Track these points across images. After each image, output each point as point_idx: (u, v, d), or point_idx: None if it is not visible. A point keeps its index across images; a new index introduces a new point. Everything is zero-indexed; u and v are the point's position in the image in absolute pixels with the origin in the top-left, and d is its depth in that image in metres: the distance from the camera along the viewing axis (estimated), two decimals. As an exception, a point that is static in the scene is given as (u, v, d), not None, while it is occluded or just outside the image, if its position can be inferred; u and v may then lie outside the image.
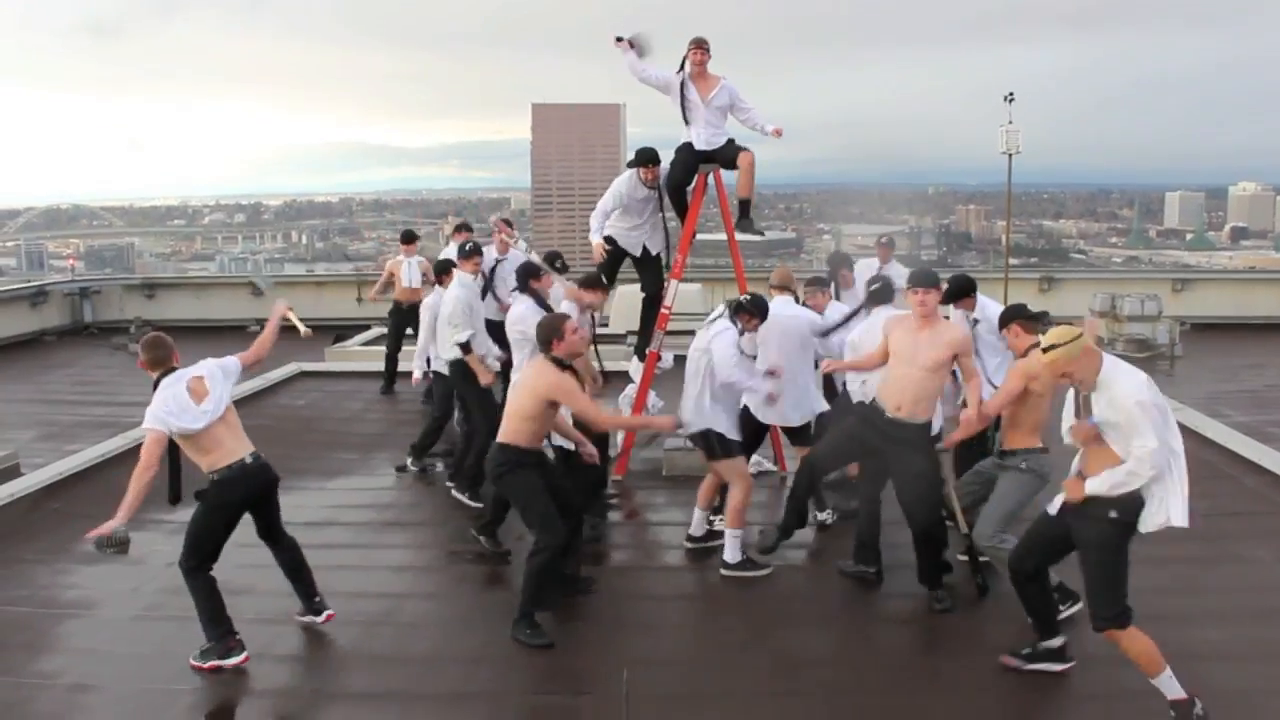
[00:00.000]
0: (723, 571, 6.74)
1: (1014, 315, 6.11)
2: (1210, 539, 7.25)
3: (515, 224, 11.09)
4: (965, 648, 5.71)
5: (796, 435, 7.69)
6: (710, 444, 6.80)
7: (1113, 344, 14.36)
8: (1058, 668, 5.32)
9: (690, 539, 7.20)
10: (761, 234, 9.19)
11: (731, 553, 6.75)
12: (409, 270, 12.05)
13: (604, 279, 7.94)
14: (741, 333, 6.84)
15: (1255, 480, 8.31)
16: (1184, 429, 9.38)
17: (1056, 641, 5.33)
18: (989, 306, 7.04)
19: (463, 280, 8.30)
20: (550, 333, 5.99)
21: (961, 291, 7.02)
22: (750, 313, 6.84)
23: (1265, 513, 7.72)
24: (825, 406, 7.66)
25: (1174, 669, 5.31)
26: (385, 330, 15.93)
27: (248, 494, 5.71)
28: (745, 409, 7.32)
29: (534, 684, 5.55)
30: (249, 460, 5.65)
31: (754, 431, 7.54)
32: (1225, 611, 6.06)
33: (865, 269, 9.06)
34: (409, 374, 9.79)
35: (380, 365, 12.44)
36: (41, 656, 5.74)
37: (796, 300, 7.72)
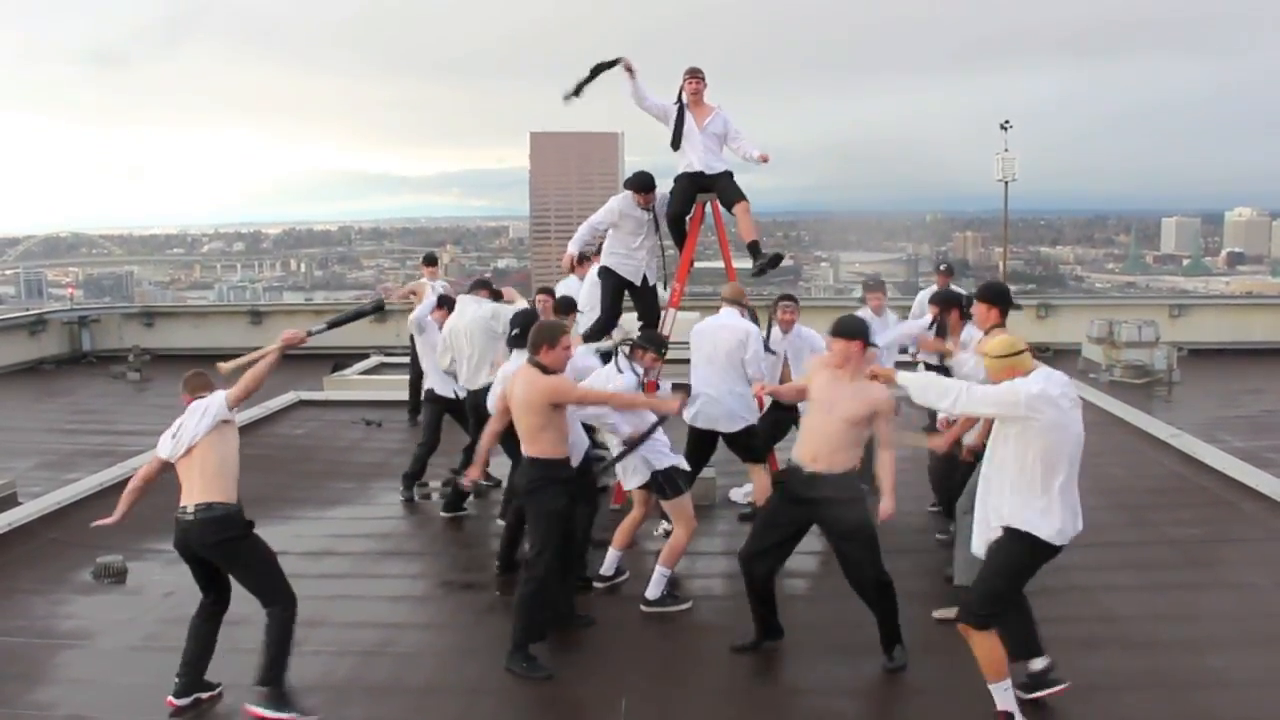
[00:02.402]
0: (643, 608, 6.64)
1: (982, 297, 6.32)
2: (1209, 565, 7.27)
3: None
4: (972, 677, 5.67)
5: (734, 443, 7.79)
6: (660, 485, 6.66)
7: (1110, 370, 14.39)
8: (1054, 690, 5.18)
9: (600, 578, 7.06)
10: (780, 257, 8.78)
11: (654, 589, 6.66)
12: (433, 293, 11.99)
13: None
14: (645, 373, 6.84)
15: (1253, 505, 8.30)
16: (1182, 455, 9.55)
17: (1039, 663, 5.23)
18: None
19: None
20: (544, 338, 5.92)
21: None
22: (644, 349, 6.84)
23: (1264, 539, 7.71)
24: (755, 417, 7.78)
25: (1175, 697, 5.33)
26: (385, 360, 16.04)
27: (182, 547, 5.37)
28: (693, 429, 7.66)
29: (532, 714, 5.52)
30: (182, 512, 5.28)
31: (701, 448, 7.76)
32: (1226, 638, 6.04)
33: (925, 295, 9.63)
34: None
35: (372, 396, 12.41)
36: (38, 687, 5.71)
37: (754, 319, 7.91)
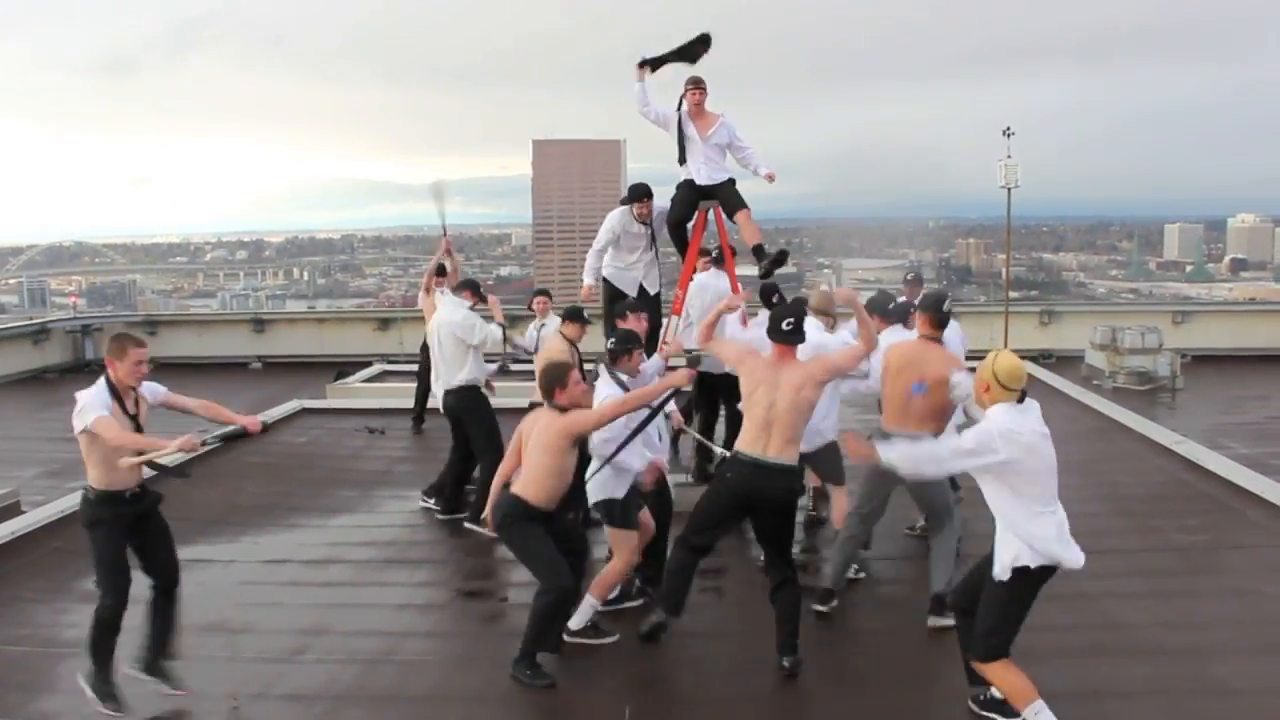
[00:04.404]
0: (565, 636, 6.19)
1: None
2: (1214, 572, 7.25)
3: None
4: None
5: (814, 462, 7.32)
6: (611, 512, 6.34)
7: (1114, 376, 14.38)
8: None
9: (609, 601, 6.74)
10: (785, 254, 8.69)
11: (579, 619, 6.21)
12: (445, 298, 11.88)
13: (585, 314, 8.01)
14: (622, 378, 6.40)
15: (1259, 513, 8.27)
16: (1186, 461, 9.53)
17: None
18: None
19: None
20: (554, 381, 5.92)
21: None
22: (626, 353, 6.46)
23: (1269, 545, 7.68)
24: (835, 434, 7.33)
25: (1180, 705, 5.32)
26: (388, 368, 16.04)
27: None
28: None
29: (535, 723, 5.52)
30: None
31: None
32: (1231, 645, 6.01)
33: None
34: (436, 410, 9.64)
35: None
36: (41, 696, 5.70)
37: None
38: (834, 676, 5.90)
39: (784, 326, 5.82)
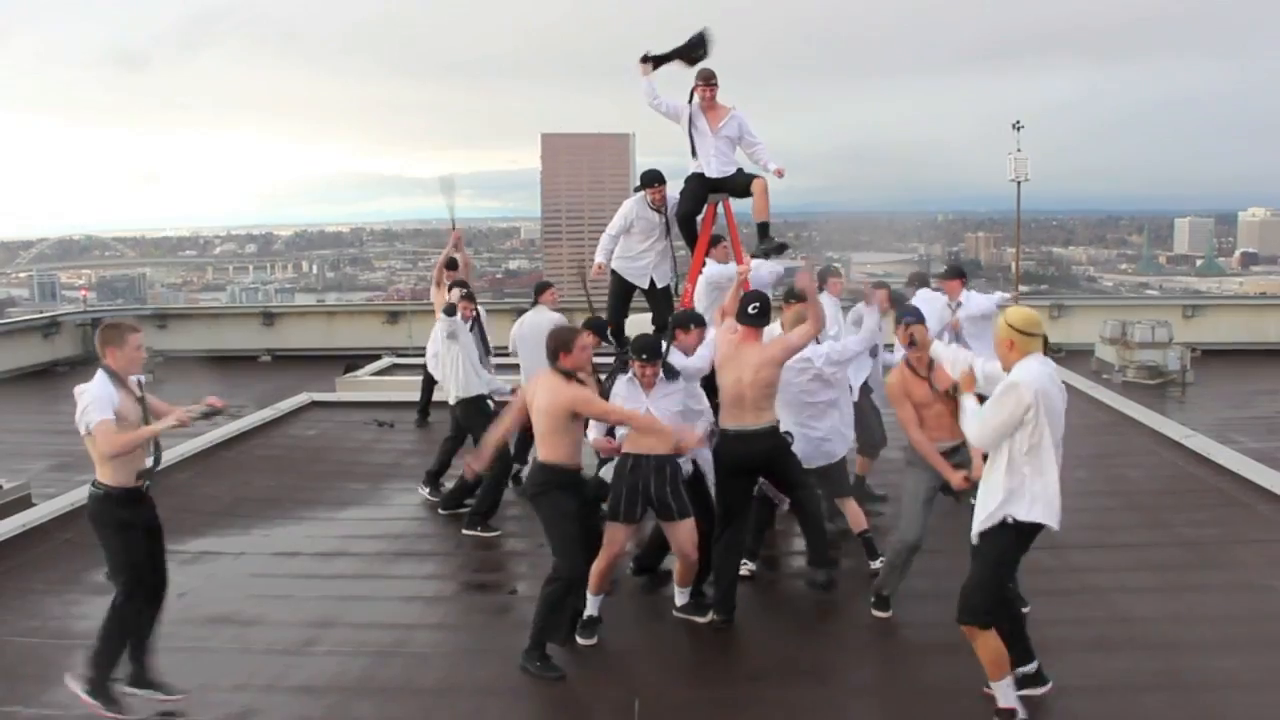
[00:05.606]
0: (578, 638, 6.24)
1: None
2: (1224, 566, 7.23)
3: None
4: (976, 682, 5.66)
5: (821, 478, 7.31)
6: (617, 503, 6.21)
7: (1124, 370, 14.35)
8: (1038, 692, 5.22)
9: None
10: (785, 247, 8.66)
11: (591, 607, 6.25)
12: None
13: (606, 331, 7.80)
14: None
15: (1268, 507, 8.26)
16: (1196, 456, 9.51)
17: (1031, 667, 5.24)
18: (974, 298, 8.59)
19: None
20: (560, 345, 5.92)
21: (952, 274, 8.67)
22: (640, 361, 6.19)
23: (1278, 540, 7.67)
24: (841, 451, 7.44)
25: (1189, 699, 5.31)
26: (397, 361, 16.07)
27: None
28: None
29: (543, 715, 5.54)
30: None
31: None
32: (1240, 640, 6.01)
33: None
34: (443, 404, 9.61)
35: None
36: (53, 687, 5.71)
37: None
38: (840, 674, 5.91)
39: (750, 310, 6.41)
